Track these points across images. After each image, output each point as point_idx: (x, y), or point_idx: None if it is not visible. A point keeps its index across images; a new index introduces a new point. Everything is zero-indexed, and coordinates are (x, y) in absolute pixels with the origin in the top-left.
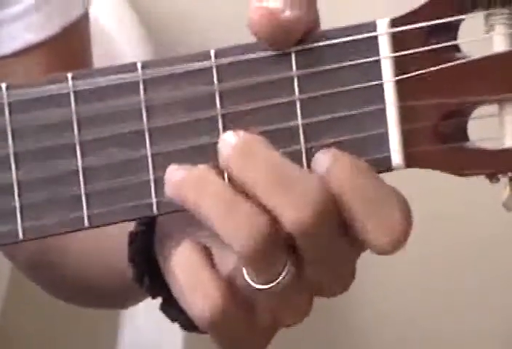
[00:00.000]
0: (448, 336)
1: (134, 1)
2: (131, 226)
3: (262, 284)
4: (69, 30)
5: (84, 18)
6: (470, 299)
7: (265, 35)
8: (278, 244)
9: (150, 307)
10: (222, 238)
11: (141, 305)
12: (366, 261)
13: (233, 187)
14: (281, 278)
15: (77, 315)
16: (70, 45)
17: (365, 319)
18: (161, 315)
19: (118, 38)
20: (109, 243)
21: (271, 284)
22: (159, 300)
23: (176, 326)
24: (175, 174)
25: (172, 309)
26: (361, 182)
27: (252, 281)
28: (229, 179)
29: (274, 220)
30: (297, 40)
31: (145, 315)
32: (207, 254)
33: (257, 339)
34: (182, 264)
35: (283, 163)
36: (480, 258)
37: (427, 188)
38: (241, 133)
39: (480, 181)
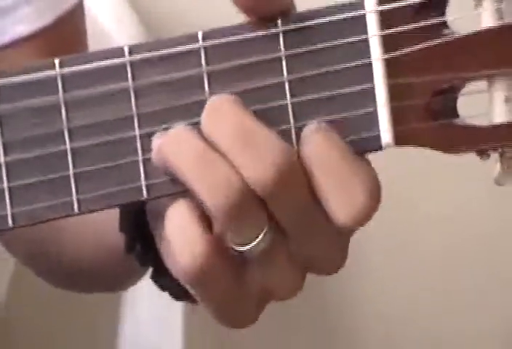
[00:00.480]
0: (447, 336)
1: (133, 0)
2: None
3: (241, 246)
4: (62, 21)
5: (78, 9)
6: (470, 298)
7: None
8: (253, 203)
9: (150, 306)
10: (199, 196)
11: (142, 303)
12: (366, 261)
13: (210, 146)
14: (258, 240)
15: (78, 312)
16: (63, 37)
17: (364, 319)
18: (161, 314)
19: (117, 38)
20: (104, 225)
21: (249, 246)
22: (160, 300)
23: (176, 325)
24: (157, 139)
25: (163, 278)
26: (331, 155)
27: (232, 242)
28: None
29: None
30: (280, 9)
31: (145, 314)
32: (201, 213)
33: (246, 309)
34: (174, 219)
35: (251, 123)
36: (479, 258)
37: (427, 189)
38: (216, 94)
39: (479, 180)
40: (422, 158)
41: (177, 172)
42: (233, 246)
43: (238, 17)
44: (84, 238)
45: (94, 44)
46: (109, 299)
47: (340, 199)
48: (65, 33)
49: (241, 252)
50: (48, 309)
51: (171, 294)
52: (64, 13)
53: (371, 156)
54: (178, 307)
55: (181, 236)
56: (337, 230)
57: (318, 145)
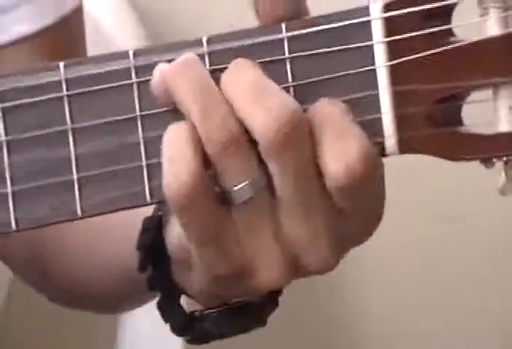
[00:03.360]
0: (447, 335)
1: (133, 0)
2: (131, 217)
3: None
4: (63, 22)
5: (78, 11)
6: (470, 299)
7: None
8: (245, 148)
9: (150, 306)
10: (194, 123)
11: (142, 307)
12: (365, 261)
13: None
14: (243, 184)
15: (77, 316)
16: (63, 38)
17: (363, 319)
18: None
19: (117, 38)
20: (111, 235)
21: (235, 188)
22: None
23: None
24: (162, 65)
25: (168, 308)
26: (332, 110)
27: (221, 181)
28: None
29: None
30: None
31: (145, 315)
32: (198, 140)
33: (226, 253)
34: (172, 135)
35: (266, 81)
36: (480, 259)
37: (430, 191)
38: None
39: (482, 183)
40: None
41: (179, 95)
42: (221, 184)
43: (238, 17)
44: (88, 249)
45: (93, 44)
46: None
47: (334, 149)
48: (65, 34)
49: (226, 192)
50: (48, 313)
51: (173, 326)
52: (65, 14)
53: None
54: None
55: (175, 151)
56: (330, 189)
57: (321, 103)
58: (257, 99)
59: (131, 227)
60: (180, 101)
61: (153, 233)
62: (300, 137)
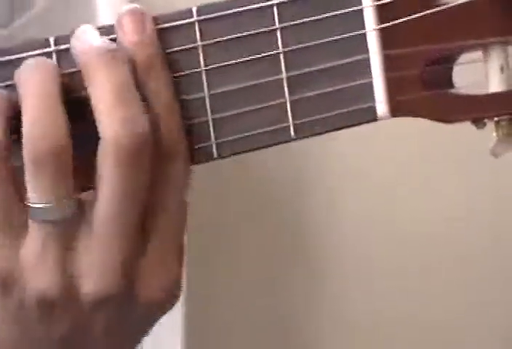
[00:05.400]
0: (447, 335)
1: (133, 0)
2: None
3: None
4: None
5: None
6: (470, 298)
7: None
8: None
9: None
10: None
11: None
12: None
13: None
14: (51, 204)
15: None
16: None
17: (363, 320)
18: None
19: None
20: None
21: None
22: None
23: (176, 325)
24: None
25: None
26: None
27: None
28: None
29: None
30: None
31: None
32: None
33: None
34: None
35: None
36: (480, 258)
37: (428, 189)
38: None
39: (482, 182)
40: (421, 157)
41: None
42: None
43: None
44: None
45: None
46: None
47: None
48: None
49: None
50: None
51: None
52: None
53: (370, 154)
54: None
55: None
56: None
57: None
58: (118, 104)
59: None
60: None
61: None
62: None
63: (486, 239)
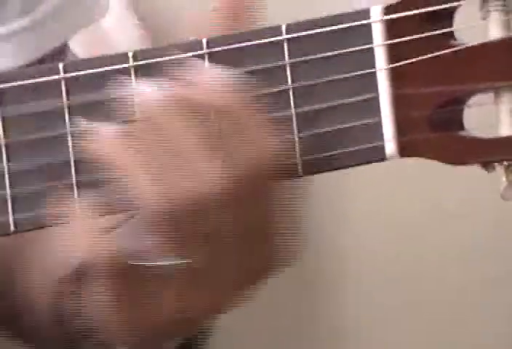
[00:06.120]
0: (447, 335)
1: (133, 0)
2: None
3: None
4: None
5: (61, 51)
6: (469, 297)
7: None
8: None
9: None
10: None
11: None
12: (365, 260)
13: None
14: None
15: None
16: None
17: (361, 319)
18: None
19: (117, 38)
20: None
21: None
22: None
23: None
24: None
25: None
26: None
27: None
28: None
29: None
30: None
31: None
32: None
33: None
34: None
35: None
36: (481, 257)
37: (426, 186)
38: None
39: (481, 179)
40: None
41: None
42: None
43: None
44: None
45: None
46: None
47: None
48: None
49: None
50: None
51: None
52: (45, 54)
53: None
54: None
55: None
56: None
57: None
58: None
59: None
60: None
61: None
62: None
63: (489, 238)
